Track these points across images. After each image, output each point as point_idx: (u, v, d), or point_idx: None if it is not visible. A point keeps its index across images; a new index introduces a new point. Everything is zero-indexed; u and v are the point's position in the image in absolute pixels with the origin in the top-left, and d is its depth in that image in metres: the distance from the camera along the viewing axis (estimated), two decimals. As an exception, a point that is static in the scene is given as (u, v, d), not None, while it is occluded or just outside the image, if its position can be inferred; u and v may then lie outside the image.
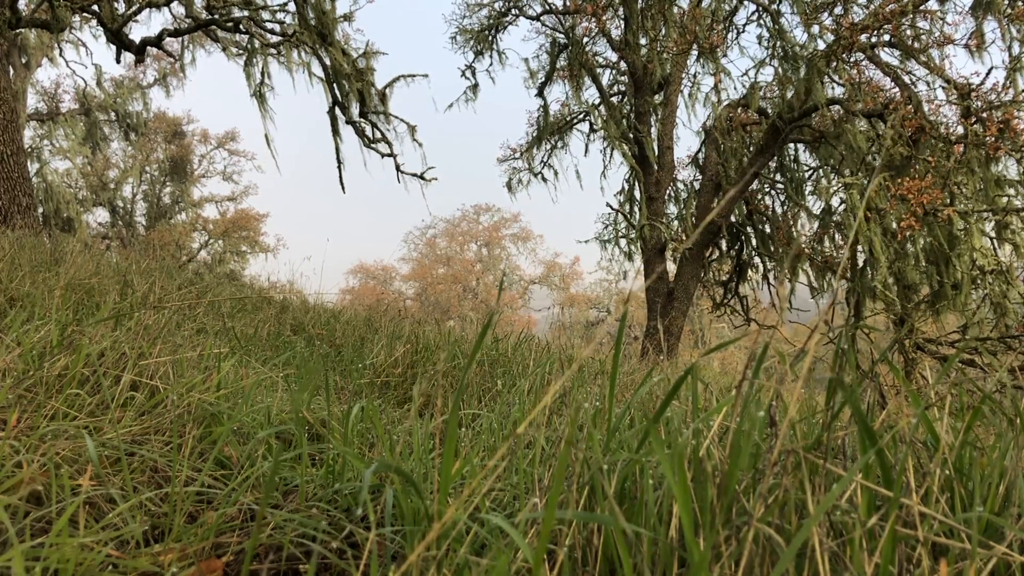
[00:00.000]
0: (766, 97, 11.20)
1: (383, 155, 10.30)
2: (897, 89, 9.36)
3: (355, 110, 10.02)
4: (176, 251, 24.84)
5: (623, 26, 12.00)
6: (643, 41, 11.69)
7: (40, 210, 19.45)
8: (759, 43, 11.51)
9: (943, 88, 9.20)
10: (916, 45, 9.32)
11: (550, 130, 13.38)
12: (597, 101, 12.80)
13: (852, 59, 9.79)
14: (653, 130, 12.28)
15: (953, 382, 1.25)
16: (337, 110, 9.96)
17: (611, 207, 13.46)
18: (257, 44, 9.89)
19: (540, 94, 13.19)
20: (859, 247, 7.27)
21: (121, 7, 8.90)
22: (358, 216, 62.27)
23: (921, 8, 9.17)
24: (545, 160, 13.84)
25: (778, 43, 10.92)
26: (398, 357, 2.70)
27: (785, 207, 11.90)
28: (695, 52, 11.55)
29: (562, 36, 12.85)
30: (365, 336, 3.78)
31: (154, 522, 1.04)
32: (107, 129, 23.40)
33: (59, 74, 27.18)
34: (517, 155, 14.05)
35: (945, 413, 0.98)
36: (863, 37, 9.14)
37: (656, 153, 12.04)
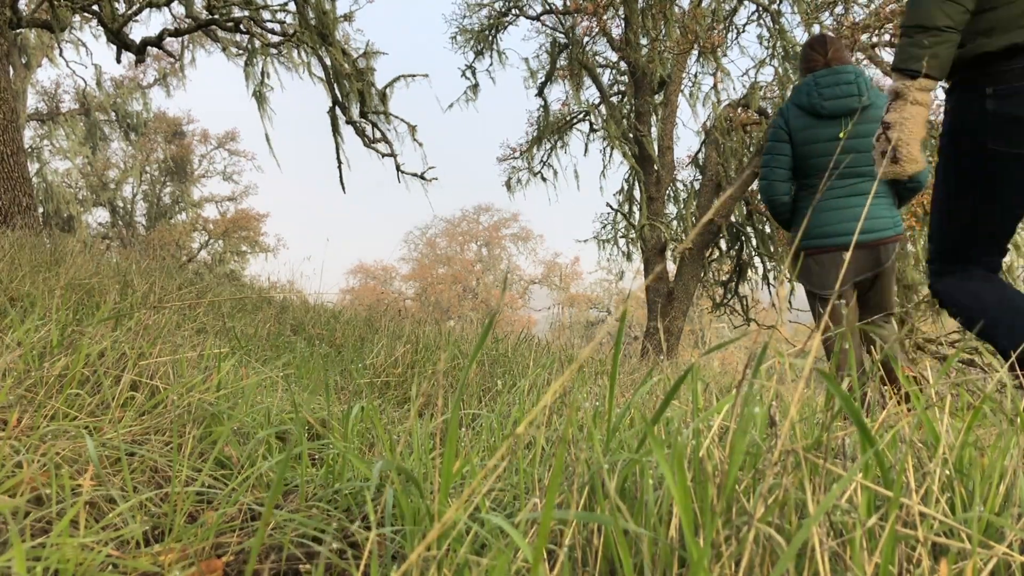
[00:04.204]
0: (766, 97, 11.19)
1: (383, 155, 10.29)
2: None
3: (355, 110, 10.02)
4: (176, 251, 24.82)
5: (623, 26, 11.99)
6: (643, 41, 11.68)
7: (40, 210, 19.43)
8: (759, 43, 11.51)
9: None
10: (916, 45, 9.30)
11: (550, 130, 13.38)
12: (597, 101, 12.81)
13: (852, 59, 9.78)
14: (653, 130, 12.27)
15: (954, 382, 1.25)
16: (337, 110, 9.96)
17: (611, 207, 13.46)
18: (257, 44, 9.89)
19: (540, 94, 13.19)
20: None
21: (121, 7, 8.90)
22: (358, 216, 62.25)
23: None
24: (545, 160, 13.85)
25: (778, 43, 10.92)
26: (398, 357, 2.70)
27: (785, 207, 11.88)
28: (695, 52, 11.55)
29: (562, 36, 12.85)
30: (365, 336, 3.79)
31: (154, 522, 1.04)
32: (107, 129, 23.40)
33: (59, 74, 27.12)
34: (517, 155, 14.06)
35: (945, 413, 0.98)
36: (864, 37, 9.13)
37: (656, 153, 12.04)
